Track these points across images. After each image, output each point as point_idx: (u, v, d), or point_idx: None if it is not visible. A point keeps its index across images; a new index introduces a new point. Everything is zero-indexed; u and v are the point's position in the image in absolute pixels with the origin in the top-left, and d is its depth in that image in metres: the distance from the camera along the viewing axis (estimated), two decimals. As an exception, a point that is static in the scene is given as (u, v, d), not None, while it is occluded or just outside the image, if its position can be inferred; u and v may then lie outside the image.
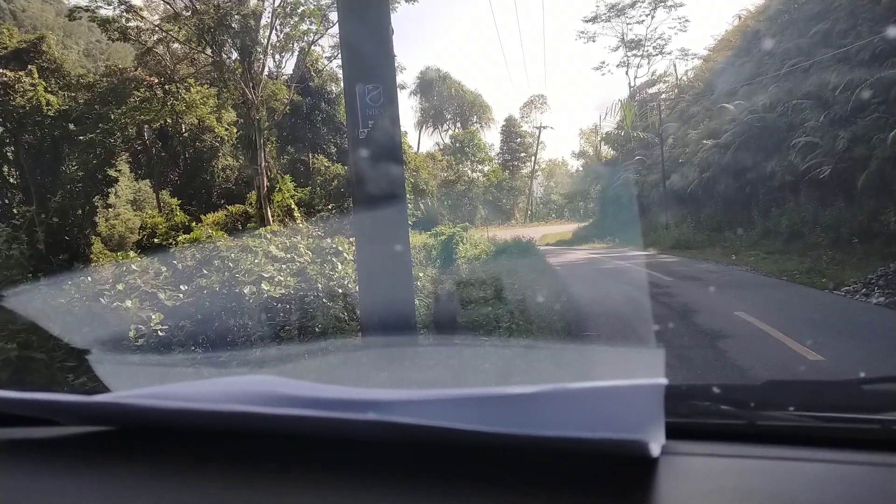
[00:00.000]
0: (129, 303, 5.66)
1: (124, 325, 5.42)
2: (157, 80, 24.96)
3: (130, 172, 35.02)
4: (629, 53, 53.32)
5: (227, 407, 1.01)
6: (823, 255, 13.99)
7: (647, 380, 0.88)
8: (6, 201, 25.62)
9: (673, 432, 0.97)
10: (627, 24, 52.59)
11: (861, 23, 17.39)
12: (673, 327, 8.36)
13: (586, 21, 53.79)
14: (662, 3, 50.26)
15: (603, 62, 76.16)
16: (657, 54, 53.24)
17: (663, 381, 0.88)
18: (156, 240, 24.17)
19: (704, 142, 25.65)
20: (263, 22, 23.67)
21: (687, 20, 69.74)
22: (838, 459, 1.02)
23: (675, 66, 47.32)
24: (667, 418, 0.90)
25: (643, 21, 52.32)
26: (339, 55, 24.57)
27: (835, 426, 1.14)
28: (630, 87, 52.29)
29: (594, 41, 59.52)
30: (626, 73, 54.64)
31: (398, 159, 4.90)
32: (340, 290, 7.06)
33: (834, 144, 16.66)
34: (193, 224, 25.31)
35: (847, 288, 10.48)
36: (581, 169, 67.90)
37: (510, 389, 0.93)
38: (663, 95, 42.72)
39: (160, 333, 5.45)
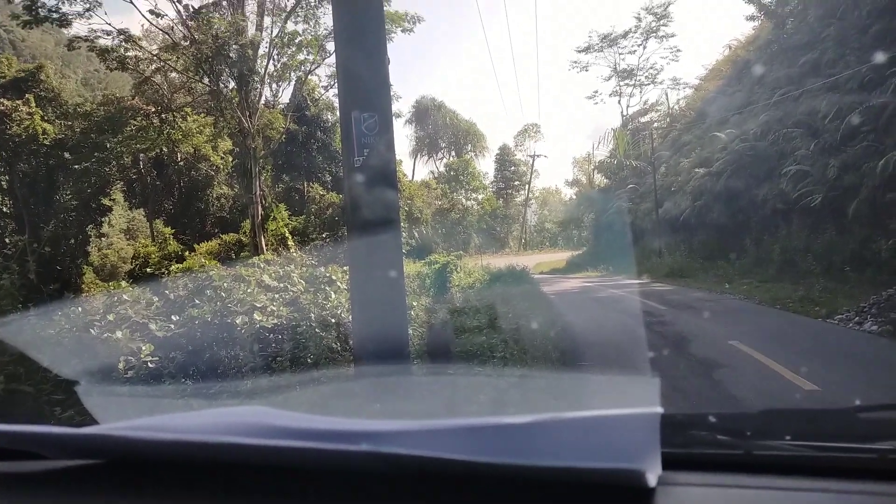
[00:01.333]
0: (119, 334, 5.60)
1: (114, 357, 5.35)
2: (154, 109, 25.12)
3: (125, 201, 35.04)
4: (621, 83, 54.10)
5: (218, 438, 0.99)
6: (816, 282, 14.02)
7: (643, 409, 0.87)
8: (-1, 231, 25.55)
9: (669, 462, 0.96)
10: (620, 54, 53.46)
11: (849, 52, 17.72)
12: (667, 356, 8.33)
13: (579, 51, 54.67)
14: (654, 34, 51.18)
15: (596, 91, 77.23)
16: (649, 83, 54.05)
17: (659, 409, 0.87)
18: (148, 269, 24.07)
19: (696, 170, 25.89)
20: (261, 52, 23.93)
21: (678, 50, 70.87)
22: (835, 489, 1.01)
23: (667, 95, 47.92)
24: (663, 448, 0.89)
25: (635, 51, 53.15)
26: (336, 84, 24.83)
27: (831, 455, 1.13)
28: (622, 115, 52.95)
29: (587, 71, 60.26)
30: (619, 101, 55.47)
31: (393, 184, 4.92)
32: (333, 320, 7.02)
33: (825, 173, 16.84)
34: (187, 253, 25.25)
35: (840, 316, 10.50)
36: (574, 197, 68.33)
37: (505, 419, 0.92)
38: (655, 124, 43.26)
39: (150, 365, 5.39)
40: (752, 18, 29.22)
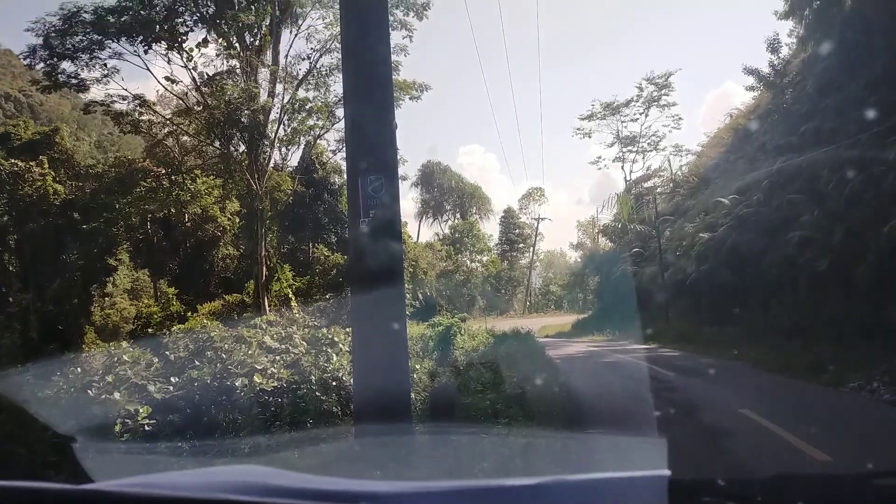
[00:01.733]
0: (117, 395, 5.53)
1: (111, 418, 5.27)
2: (164, 171, 25.64)
3: (130, 261, 35.27)
4: (624, 149, 55.06)
5: (211, 495, 0.96)
6: (826, 349, 13.82)
7: (650, 472, 0.84)
8: (4, 289, 25.65)
9: None
10: (622, 121, 54.65)
11: (848, 122, 18.05)
12: (677, 425, 8.13)
13: (582, 119, 55.89)
14: (656, 103, 52.42)
15: (599, 157, 78.30)
16: (651, 150, 54.97)
17: (667, 472, 0.84)
18: (150, 330, 23.98)
19: (701, 234, 25.99)
20: (272, 117, 24.58)
21: (680, 118, 72.29)
22: None
23: (669, 161, 48.68)
24: (671, 513, 0.86)
25: (637, 119, 54.33)
26: (344, 148, 25.39)
27: None
28: (626, 181, 53.63)
29: (590, 137, 61.43)
30: (622, 167, 56.13)
31: (397, 236, 4.95)
32: (334, 383, 6.93)
33: (830, 238, 16.87)
34: (190, 313, 25.20)
35: (851, 385, 10.29)
36: (579, 260, 68.47)
37: (509, 481, 0.89)
38: (659, 189, 43.70)
39: (147, 428, 5.29)
40: (751, 89, 29.99)
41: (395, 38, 24.49)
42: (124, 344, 7.51)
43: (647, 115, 53.56)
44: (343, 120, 6.16)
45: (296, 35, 25.44)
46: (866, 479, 1.24)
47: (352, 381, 5.88)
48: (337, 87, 25.54)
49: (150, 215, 29.89)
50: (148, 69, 22.17)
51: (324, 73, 25.59)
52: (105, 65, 21.59)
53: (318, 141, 28.76)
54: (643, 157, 55.31)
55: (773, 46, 24.75)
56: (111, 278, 30.50)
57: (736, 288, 22.16)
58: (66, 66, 21.40)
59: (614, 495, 0.87)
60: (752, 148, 26.87)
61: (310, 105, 25.33)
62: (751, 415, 8.34)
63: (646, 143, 54.54)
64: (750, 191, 23.14)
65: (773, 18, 25.01)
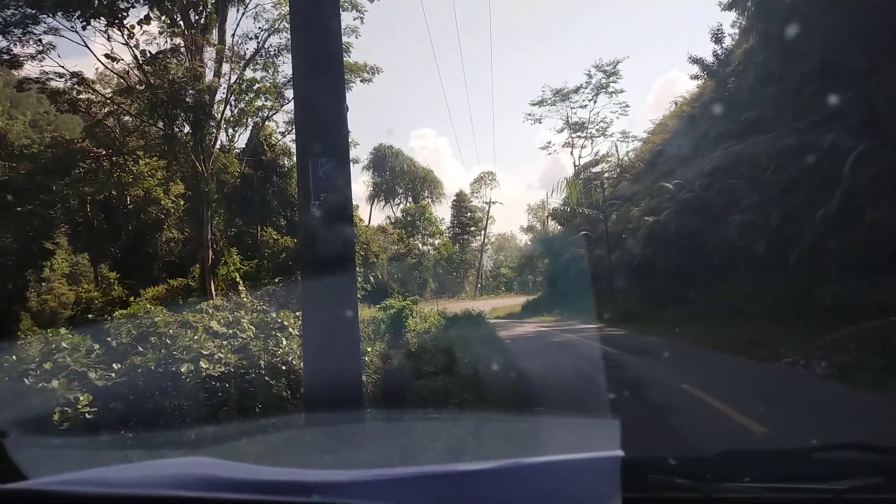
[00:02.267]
0: (55, 383, 5.32)
1: (49, 408, 5.07)
2: (104, 152, 24.60)
3: (69, 245, 33.91)
4: (574, 135, 55.93)
5: (156, 492, 0.92)
6: (763, 327, 14.42)
7: (604, 453, 0.85)
8: (-69, 274, 24.35)
9: None
10: (572, 108, 55.41)
11: (785, 111, 18.71)
12: (622, 400, 8.37)
13: (533, 104, 56.38)
14: (604, 90, 53.35)
15: (549, 142, 79.30)
16: (600, 136, 55.99)
17: (619, 453, 0.85)
18: (90, 315, 23.15)
19: (647, 218, 26.64)
20: (218, 97, 23.87)
21: (627, 105, 73.93)
22: None
23: (616, 147, 49.71)
24: (624, 493, 0.87)
25: (586, 105, 55.20)
26: (293, 130, 24.88)
27: (788, 497, 1.13)
28: (575, 165, 54.53)
29: (540, 123, 62.21)
30: (571, 152, 57.08)
31: (349, 220, 4.88)
32: (284, 367, 6.83)
33: (767, 222, 17.54)
34: (132, 299, 24.42)
35: (787, 360, 10.77)
36: (530, 243, 69.36)
37: (463, 466, 0.89)
38: (606, 174, 44.57)
39: (88, 416, 5.11)
40: (696, 77, 30.68)
41: (346, 19, 24.08)
42: (63, 330, 7.21)
43: (595, 102, 54.55)
44: (293, 101, 6.02)
45: (243, 14, 24.76)
46: (806, 453, 1.30)
47: (302, 365, 5.82)
48: (286, 68, 25.02)
49: (89, 198, 28.72)
50: (87, 46, 21.18)
51: (272, 53, 25.02)
52: (40, 41, 20.49)
53: (266, 122, 28.16)
54: (592, 143, 56.35)
55: (717, 36, 25.34)
56: (48, 263, 29.29)
57: (679, 269, 22.85)
58: (-2, 40, 20.24)
59: (569, 477, 0.88)
60: (695, 135, 27.57)
61: (258, 86, 24.73)
62: (692, 390, 8.65)
63: (594, 129, 55.55)
64: (693, 176, 23.81)
65: (718, 9, 25.58)
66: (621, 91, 55.01)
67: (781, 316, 14.80)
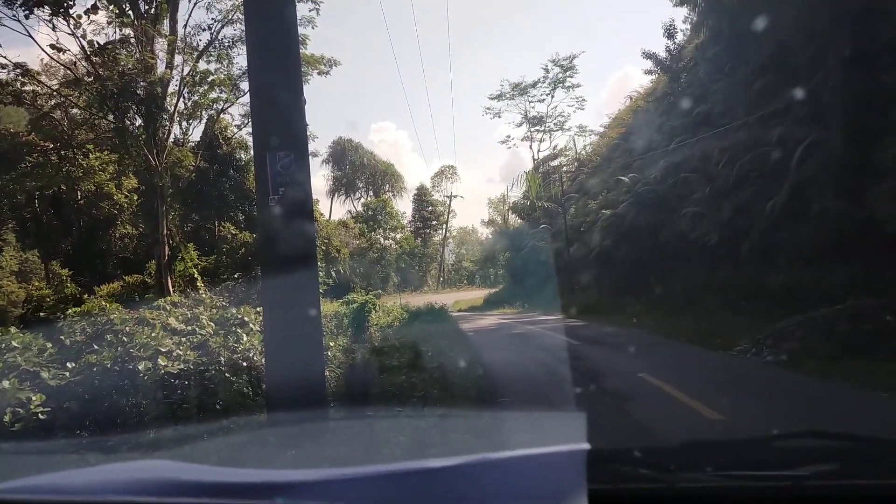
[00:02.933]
0: (6, 383, 5.13)
1: (0, 409, 4.89)
2: (52, 146, 23.74)
3: (17, 242, 32.65)
4: (532, 129, 56.39)
5: (114, 498, 0.90)
6: (716, 316, 14.81)
7: (569, 446, 0.86)
8: None
9: (595, 499, 0.96)
10: (530, 102, 55.82)
11: (736, 105, 19.19)
12: (581, 391, 8.49)
13: (492, 98, 56.62)
14: (561, 84, 53.85)
15: (508, 136, 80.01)
16: (558, 130, 56.59)
17: (585, 446, 0.87)
18: (42, 314, 22.37)
19: (604, 211, 27.07)
20: (171, 90, 23.26)
21: (584, 99, 74.66)
22: None
23: (574, 141, 50.26)
24: (589, 485, 0.88)
25: (544, 100, 55.69)
26: (249, 123, 24.44)
27: (749, 485, 1.17)
28: (534, 159, 55.03)
29: (500, 117, 62.48)
30: (530, 146, 57.59)
31: (310, 217, 4.82)
32: (245, 364, 6.74)
33: (719, 214, 18.00)
34: (86, 296, 23.69)
35: (739, 348, 11.10)
36: (491, 237, 69.74)
37: (427, 463, 0.89)
38: (564, 168, 45.08)
39: (41, 417, 4.96)
40: (649, 72, 31.20)
41: (302, 9, 23.72)
42: (13, 329, 6.95)
43: (552, 97, 55.07)
44: (249, 93, 5.90)
45: (195, 4, 24.11)
46: (766, 441, 1.35)
47: (263, 361, 5.74)
48: (241, 59, 24.53)
49: (37, 193, 27.70)
50: (30, 36, 20.36)
51: (226, 44, 24.49)
52: (-21, 30, 19.63)
53: (221, 115, 27.60)
54: (550, 137, 56.92)
55: (670, 32, 25.79)
56: (-7, 260, 28.18)
57: (636, 261, 23.30)
58: (-68, 28, 19.28)
59: (536, 471, 0.89)
60: (650, 129, 28.07)
61: (212, 77, 24.19)
62: (649, 378, 8.85)
63: (552, 122, 56.12)
64: (648, 170, 24.27)
65: (670, 4, 26.01)
66: (578, 86, 55.68)
67: (733, 305, 15.22)
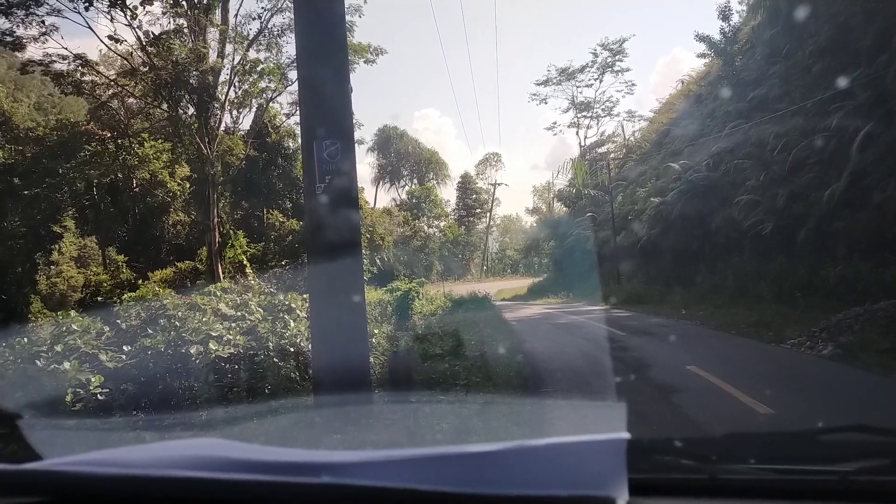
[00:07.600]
0: (67, 365, 5.38)
1: (61, 389, 5.13)
2: (109, 135, 24.57)
3: (76, 228, 34.04)
4: (579, 115, 55.54)
5: (168, 472, 0.95)
6: (768, 308, 14.41)
7: (610, 435, 0.86)
8: (-60, 258, 24.54)
9: (636, 488, 0.95)
10: (577, 87, 54.96)
11: (793, 89, 18.53)
12: (627, 382, 8.40)
13: (538, 84, 55.99)
14: (610, 69, 52.84)
15: (555, 122, 78.86)
16: (606, 115, 55.59)
17: (626, 435, 0.86)
18: (99, 298, 23.34)
19: (652, 199, 26.53)
20: (222, 79, 23.75)
21: (633, 84, 73.27)
22: None
23: (622, 126, 49.38)
24: (630, 474, 0.88)
25: (592, 85, 54.91)
26: (297, 112, 24.79)
27: (793, 478, 1.14)
28: (581, 146, 54.26)
29: (546, 103, 61.77)
30: (577, 133, 56.89)
31: (355, 206, 4.88)
32: (292, 349, 6.89)
33: (774, 202, 17.45)
34: (140, 281, 24.58)
35: (792, 340, 10.78)
36: (535, 225, 69.22)
37: (470, 448, 0.90)
38: (612, 154, 44.32)
39: (100, 397, 5.18)
40: (702, 56, 30.37)
41: (349, -3, 23.84)
42: (73, 313, 7.27)
43: (601, 81, 54.08)
44: (297, 82, 5.99)
45: (245, -7, 24.47)
46: (812, 436, 1.32)
47: (310, 347, 5.86)
48: (290, 48, 24.81)
49: (95, 181, 28.77)
50: (89, 27, 21.15)
51: (276, 33, 24.81)
52: (43, 22, 20.37)
53: (270, 104, 28.03)
54: (597, 123, 55.97)
55: (725, 14, 25.01)
56: (57, 246, 29.42)
57: (685, 250, 22.81)
58: (0, 22, 20.17)
59: (576, 458, 0.89)
60: (702, 114, 27.34)
61: (261, 66, 24.57)
62: (698, 370, 8.67)
63: (600, 108, 55.14)
64: (700, 156, 23.66)
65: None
66: (627, 70, 54.79)
67: (787, 296, 14.78)
